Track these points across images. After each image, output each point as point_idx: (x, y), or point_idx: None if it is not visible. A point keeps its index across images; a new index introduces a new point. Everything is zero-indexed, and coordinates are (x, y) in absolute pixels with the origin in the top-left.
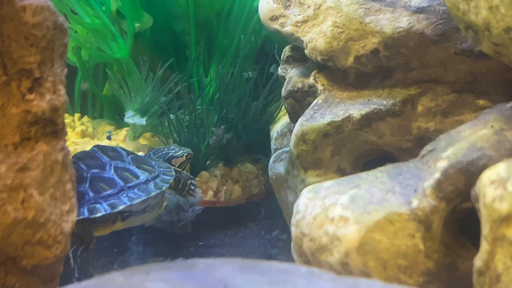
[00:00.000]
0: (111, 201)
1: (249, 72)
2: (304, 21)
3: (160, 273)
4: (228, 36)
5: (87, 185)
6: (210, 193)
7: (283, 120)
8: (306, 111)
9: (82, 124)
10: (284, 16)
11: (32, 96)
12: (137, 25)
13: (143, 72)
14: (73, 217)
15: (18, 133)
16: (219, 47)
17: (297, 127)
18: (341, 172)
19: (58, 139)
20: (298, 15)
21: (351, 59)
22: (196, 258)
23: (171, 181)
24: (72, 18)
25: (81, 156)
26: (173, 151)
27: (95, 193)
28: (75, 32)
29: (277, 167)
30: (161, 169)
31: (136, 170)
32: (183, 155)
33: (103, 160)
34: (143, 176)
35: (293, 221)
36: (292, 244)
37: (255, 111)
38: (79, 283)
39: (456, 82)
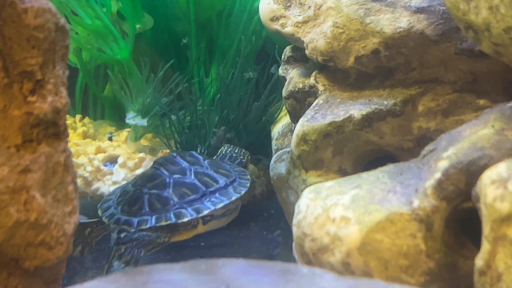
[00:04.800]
0: (195, 206)
1: (250, 73)
2: (305, 22)
3: (163, 274)
4: (229, 36)
5: (170, 191)
6: None
7: (284, 120)
8: (307, 112)
9: (84, 125)
10: (284, 16)
11: (34, 98)
12: (138, 26)
13: (144, 73)
14: (75, 218)
15: (20, 135)
16: (220, 47)
17: (298, 128)
18: (342, 172)
19: (60, 140)
20: (299, 15)
21: (351, 60)
22: (198, 258)
23: (248, 184)
24: (73, 20)
25: (162, 162)
26: (237, 154)
27: (179, 198)
28: (76, 33)
29: (278, 167)
30: (237, 173)
31: (215, 175)
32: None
33: (183, 165)
34: (221, 180)
35: (294, 221)
36: (293, 245)
37: (256, 112)
38: (81, 284)
39: (456, 82)
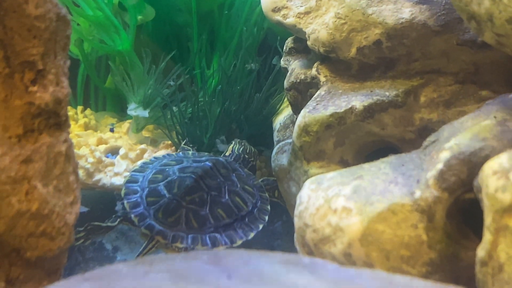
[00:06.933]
0: (228, 232)
1: (252, 64)
2: (307, 13)
3: (164, 264)
4: (231, 28)
5: (207, 209)
6: None
7: (286, 111)
8: (308, 103)
9: (85, 116)
10: (286, 7)
11: (35, 88)
12: (139, 17)
13: (145, 65)
14: (77, 208)
15: (22, 125)
16: (222, 39)
17: (300, 119)
18: (344, 164)
19: (62, 131)
20: (301, 6)
21: (353, 51)
22: (200, 249)
23: (269, 207)
24: (75, 11)
25: (202, 175)
26: (248, 155)
27: (215, 220)
28: (78, 24)
29: (280, 158)
30: (256, 189)
31: (244, 195)
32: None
33: (218, 180)
34: (249, 203)
35: (296, 212)
36: (295, 235)
37: (257, 103)
38: (83, 274)
39: (458, 73)
